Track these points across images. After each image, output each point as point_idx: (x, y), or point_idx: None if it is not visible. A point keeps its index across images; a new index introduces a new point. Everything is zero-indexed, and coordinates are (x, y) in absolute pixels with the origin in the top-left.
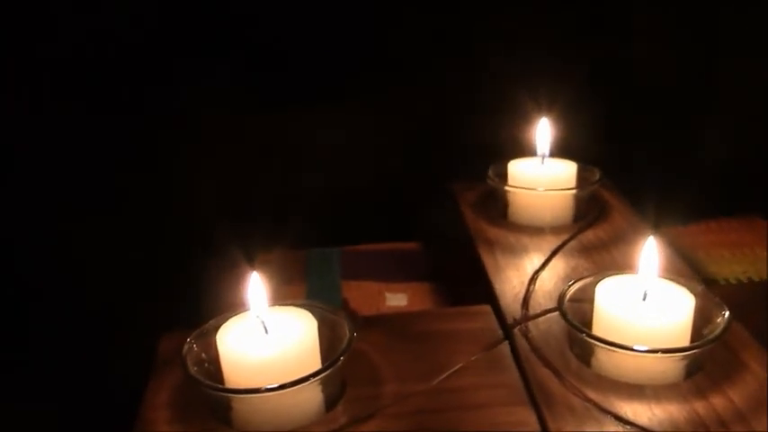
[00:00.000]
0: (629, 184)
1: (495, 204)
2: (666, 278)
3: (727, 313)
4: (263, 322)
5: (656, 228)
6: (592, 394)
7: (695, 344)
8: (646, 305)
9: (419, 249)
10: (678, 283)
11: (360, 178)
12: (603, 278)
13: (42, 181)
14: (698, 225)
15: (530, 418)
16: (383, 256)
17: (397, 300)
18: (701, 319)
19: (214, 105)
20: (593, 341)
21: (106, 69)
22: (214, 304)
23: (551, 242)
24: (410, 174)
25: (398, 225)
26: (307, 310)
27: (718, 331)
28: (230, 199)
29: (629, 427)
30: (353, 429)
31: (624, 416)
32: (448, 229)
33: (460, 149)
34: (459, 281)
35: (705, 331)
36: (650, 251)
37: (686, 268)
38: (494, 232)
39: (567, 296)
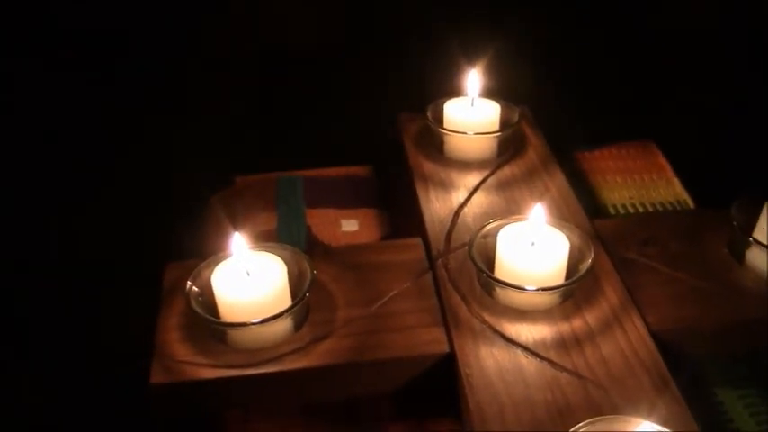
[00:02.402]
0: (548, 115)
1: (433, 140)
2: (552, 224)
3: (591, 258)
4: (245, 269)
5: (565, 154)
6: (489, 318)
7: (564, 283)
8: (533, 250)
9: (371, 175)
10: (560, 228)
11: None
12: (505, 225)
13: None
14: (600, 150)
15: (442, 336)
16: (339, 183)
17: (350, 225)
18: (578, 256)
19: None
20: (491, 282)
21: None
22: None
23: (476, 177)
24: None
25: (351, 151)
26: (277, 254)
27: (579, 274)
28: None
29: (511, 344)
30: (315, 347)
31: (509, 336)
32: (394, 160)
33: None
34: (403, 208)
35: (580, 266)
36: (539, 211)
37: (576, 205)
38: (429, 167)
39: (476, 239)
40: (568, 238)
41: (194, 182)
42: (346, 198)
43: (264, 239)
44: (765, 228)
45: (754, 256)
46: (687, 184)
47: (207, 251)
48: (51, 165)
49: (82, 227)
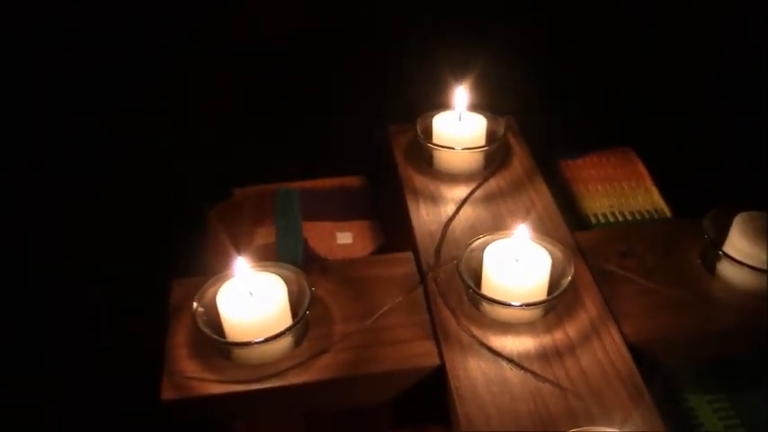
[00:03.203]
0: (533, 124)
1: (422, 153)
2: (535, 240)
3: (571, 273)
4: (248, 290)
5: (550, 162)
6: (476, 332)
7: (545, 299)
8: (517, 266)
9: (363, 186)
10: (543, 244)
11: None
12: (491, 242)
13: None
14: (583, 159)
15: (433, 350)
16: (333, 195)
17: (344, 238)
18: (560, 271)
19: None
20: (478, 297)
21: None
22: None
23: (464, 190)
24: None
25: (344, 160)
26: (277, 273)
27: (560, 290)
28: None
29: (497, 357)
30: (314, 362)
31: (495, 349)
32: (385, 168)
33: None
34: (394, 219)
35: (562, 281)
36: (522, 230)
37: (559, 218)
38: (419, 180)
39: (464, 256)
40: (551, 253)
41: (193, 194)
42: (340, 210)
43: (263, 254)
44: (735, 241)
45: (725, 268)
46: (665, 191)
47: (208, 266)
48: (49, 170)
49: (81, 232)
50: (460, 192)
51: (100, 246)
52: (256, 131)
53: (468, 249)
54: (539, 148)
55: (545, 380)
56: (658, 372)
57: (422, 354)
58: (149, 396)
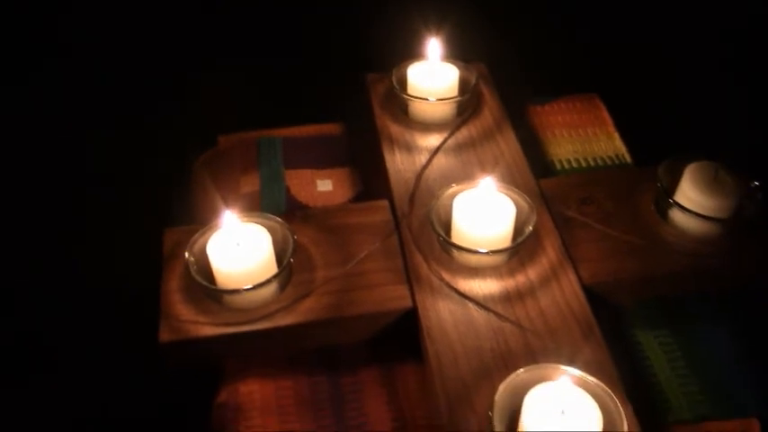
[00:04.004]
0: (504, 70)
1: (398, 102)
2: (501, 190)
3: (534, 221)
4: (235, 240)
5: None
6: (446, 276)
7: (509, 246)
8: (483, 215)
9: (342, 133)
10: (508, 194)
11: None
12: (460, 192)
13: None
14: (550, 104)
15: (406, 293)
16: (314, 143)
17: (324, 185)
18: (524, 219)
19: None
20: (447, 245)
21: None
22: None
23: (437, 138)
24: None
25: (324, 106)
26: (262, 224)
27: (522, 237)
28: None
29: (465, 299)
30: (298, 305)
31: (463, 291)
32: (363, 116)
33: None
34: (371, 166)
35: (525, 228)
36: (489, 181)
37: (525, 167)
38: (395, 129)
39: (435, 205)
40: (515, 202)
41: (179, 142)
42: (321, 158)
43: (249, 201)
44: (686, 189)
45: (676, 215)
46: (628, 137)
47: (197, 214)
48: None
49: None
50: (434, 140)
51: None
52: (238, 78)
53: (439, 199)
54: (507, 93)
55: (507, 320)
56: (610, 310)
57: (396, 297)
58: (145, 337)
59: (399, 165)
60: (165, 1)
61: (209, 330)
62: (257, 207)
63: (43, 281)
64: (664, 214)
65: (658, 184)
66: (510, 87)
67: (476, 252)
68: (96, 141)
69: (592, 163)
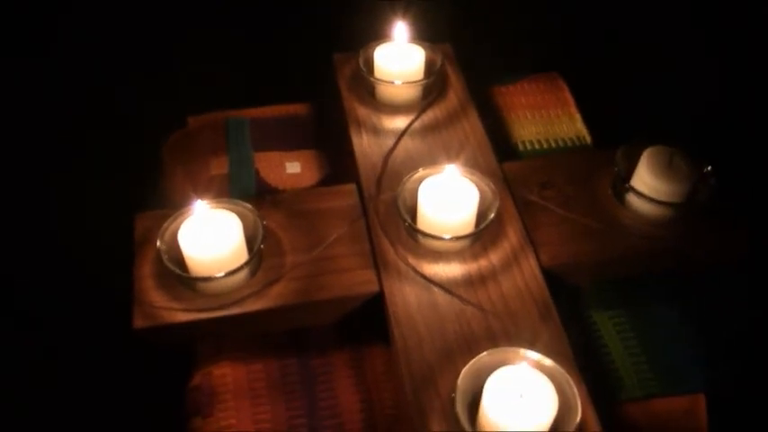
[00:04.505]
0: (470, 51)
1: (365, 83)
2: (465, 175)
3: (496, 207)
4: (206, 228)
5: (484, 88)
6: (411, 260)
7: (471, 233)
8: (447, 202)
9: (310, 113)
10: (471, 179)
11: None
12: (426, 177)
13: None
14: (514, 85)
15: (373, 278)
16: (282, 124)
17: (293, 168)
18: (487, 204)
19: None
20: (413, 231)
21: None
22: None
23: (404, 120)
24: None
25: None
26: (233, 211)
27: (485, 223)
28: None
29: (429, 283)
30: (268, 290)
31: (428, 276)
32: (331, 95)
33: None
34: (339, 148)
35: (488, 213)
36: (453, 168)
37: (489, 151)
38: (362, 112)
39: (401, 192)
40: (479, 187)
41: (148, 123)
42: (289, 140)
43: (218, 184)
44: (642, 174)
45: (632, 199)
46: (589, 116)
47: (167, 198)
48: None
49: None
50: (401, 122)
51: (58, 182)
52: (206, 57)
53: (406, 184)
54: (476, 73)
55: (469, 303)
56: (567, 291)
57: (364, 281)
58: (119, 322)
59: (366, 148)
60: None
61: (182, 316)
62: (227, 189)
63: (15, 264)
64: (621, 198)
65: (615, 169)
66: (476, 67)
67: (440, 239)
68: (64, 122)
69: (554, 144)
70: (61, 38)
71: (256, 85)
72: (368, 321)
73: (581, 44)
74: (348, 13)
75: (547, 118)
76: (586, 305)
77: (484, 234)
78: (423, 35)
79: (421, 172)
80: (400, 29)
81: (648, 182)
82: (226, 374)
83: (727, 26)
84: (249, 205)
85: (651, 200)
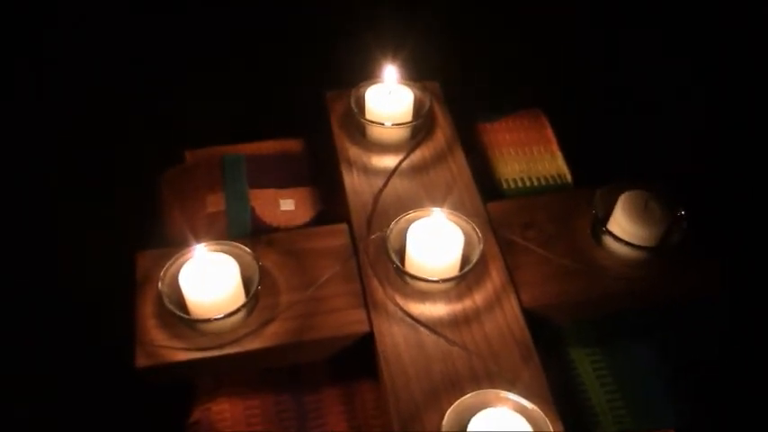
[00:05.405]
0: (456, 88)
1: (356, 122)
2: (451, 219)
3: (480, 249)
4: (205, 272)
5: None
6: (400, 300)
7: (457, 275)
8: (435, 245)
9: (303, 149)
10: (457, 222)
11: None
12: (414, 220)
13: None
14: (498, 122)
15: (363, 318)
16: (276, 161)
17: (287, 205)
18: (471, 245)
19: None
20: (401, 273)
21: None
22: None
23: (393, 160)
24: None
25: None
26: (230, 253)
27: (469, 266)
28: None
29: (417, 323)
30: (264, 330)
31: (415, 316)
32: (323, 132)
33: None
34: (331, 185)
35: (472, 256)
36: (438, 212)
37: (474, 192)
38: (353, 152)
39: (390, 234)
40: (464, 230)
41: (145, 158)
42: (283, 177)
43: (214, 221)
44: (618, 217)
45: (609, 241)
46: (570, 154)
47: (165, 234)
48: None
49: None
50: (390, 161)
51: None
52: (202, 94)
53: (395, 226)
54: (459, 111)
55: (454, 343)
56: (547, 330)
57: (354, 321)
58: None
59: (357, 186)
60: (130, 15)
61: (183, 355)
62: (223, 227)
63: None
64: (599, 240)
65: (593, 211)
66: (462, 104)
67: (427, 280)
68: (64, 156)
69: (536, 183)
70: (58, 73)
71: (254, 119)
72: (359, 357)
73: (565, 83)
74: (342, 49)
75: (530, 155)
76: (566, 343)
77: (469, 275)
78: (412, 72)
79: (410, 213)
80: (390, 71)
81: (624, 226)
82: (224, 410)
83: (710, 68)
84: (246, 248)
85: (627, 243)
